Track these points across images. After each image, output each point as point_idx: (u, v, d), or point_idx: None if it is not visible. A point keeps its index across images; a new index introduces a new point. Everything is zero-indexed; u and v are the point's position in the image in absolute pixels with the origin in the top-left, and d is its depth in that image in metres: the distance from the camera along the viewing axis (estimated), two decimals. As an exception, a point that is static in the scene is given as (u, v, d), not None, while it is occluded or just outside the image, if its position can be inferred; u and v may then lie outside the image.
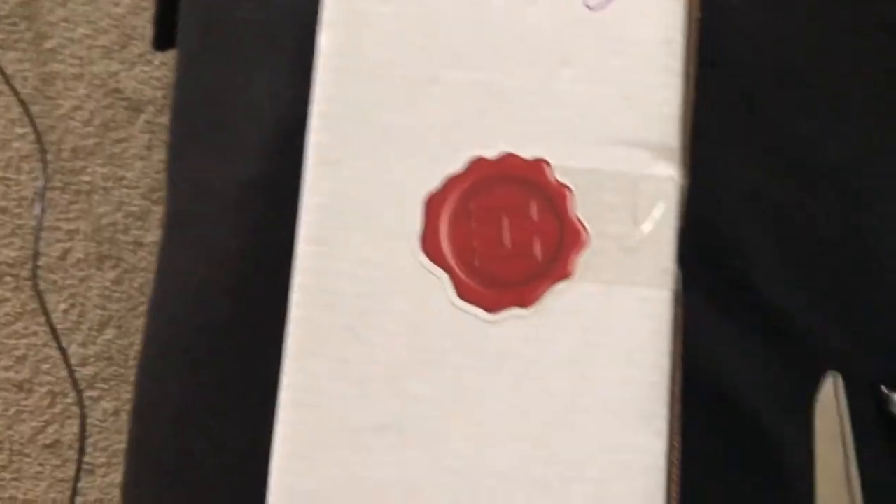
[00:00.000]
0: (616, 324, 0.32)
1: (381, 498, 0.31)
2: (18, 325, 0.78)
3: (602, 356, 0.32)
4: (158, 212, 0.79)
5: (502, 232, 0.33)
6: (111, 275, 0.79)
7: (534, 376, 0.32)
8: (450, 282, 0.32)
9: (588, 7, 0.34)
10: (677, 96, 0.34)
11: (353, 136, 0.33)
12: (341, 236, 0.33)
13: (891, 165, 0.41)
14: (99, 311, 0.78)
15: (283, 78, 0.40)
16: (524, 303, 0.32)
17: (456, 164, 0.33)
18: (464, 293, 0.32)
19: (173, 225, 0.43)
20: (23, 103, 0.81)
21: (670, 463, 0.32)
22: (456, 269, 0.33)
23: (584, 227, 0.33)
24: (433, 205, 0.33)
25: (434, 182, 0.33)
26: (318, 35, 0.34)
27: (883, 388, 0.38)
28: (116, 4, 0.85)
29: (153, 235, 0.79)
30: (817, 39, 0.42)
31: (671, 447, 0.32)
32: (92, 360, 0.77)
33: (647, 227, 0.33)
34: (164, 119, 0.82)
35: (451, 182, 0.33)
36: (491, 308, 0.32)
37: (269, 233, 0.39)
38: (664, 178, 0.33)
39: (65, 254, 0.80)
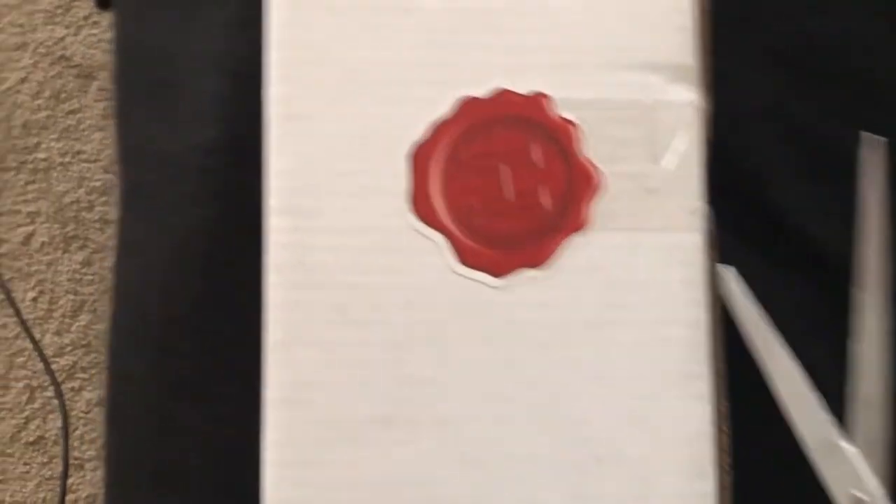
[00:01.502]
0: (642, 277, 0.28)
1: (394, 499, 0.27)
2: (-14, 319, 0.73)
3: (629, 316, 0.28)
4: (122, 185, 0.73)
5: (503, 182, 0.28)
6: (79, 256, 0.74)
7: (554, 345, 0.28)
8: (448, 245, 0.28)
9: None
10: (689, 4, 0.29)
11: (319, 84, 0.28)
12: (317, 203, 0.28)
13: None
14: (70, 297, 0.74)
15: (234, 26, 0.35)
16: (535, 262, 0.28)
17: (442, 108, 0.29)
18: (465, 257, 0.28)
19: (129, 201, 0.38)
20: (-36, 81, 0.75)
21: (718, 429, 0.28)
22: (453, 229, 0.28)
23: (596, 168, 0.29)
24: (421, 157, 0.28)
25: (419, 130, 0.28)
26: (268, -31, 0.29)
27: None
28: (55, -35, 0.79)
29: (119, 211, 0.74)
30: None
31: (717, 411, 0.28)
32: (69, 348, 0.73)
33: (668, 162, 0.29)
34: (118, 85, 0.76)
35: (439, 129, 0.29)
36: (498, 272, 0.28)
37: (238, 202, 0.35)
38: (683, 103, 0.29)
39: (28, 238, 0.75)
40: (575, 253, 0.28)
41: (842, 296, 0.35)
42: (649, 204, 0.28)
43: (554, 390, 0.28)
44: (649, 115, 0.29)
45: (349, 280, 0.28)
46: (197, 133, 0.35)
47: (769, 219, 0.35)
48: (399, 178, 0.28)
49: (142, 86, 0.37)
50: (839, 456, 0.23)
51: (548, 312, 0.28)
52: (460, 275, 0.28)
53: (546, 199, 0.28)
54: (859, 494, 0.22)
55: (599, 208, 0.28)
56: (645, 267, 0.28)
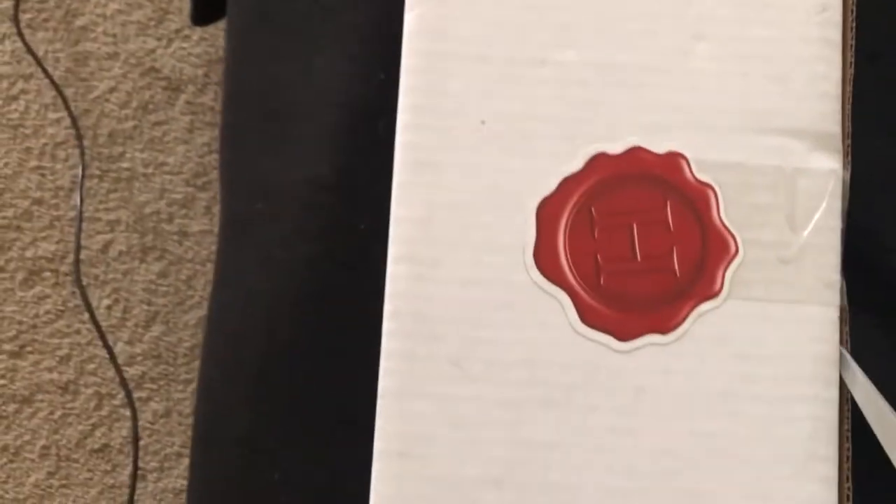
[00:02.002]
0: (773, 350, 0.27)
1: (499, 564, 0.26)
2: (60, 324, 0.74)
3: (757, 390, 0.27)
4: (204, 199, 0.74)
5: (632, 242, 0.28)
6: (156, 267, 0.75)
7: (676, 416, 0.27)
8: (571, 304, 0.27)
9: (727, -33, 0.29)
10: (836, 72, 0.28)
11: (449, 134, 0.28)
12: (440, 253, 0.27)
13: None
14: (145, 307, 0.74)
15: (352, 61, 0.35)
16: (662, 328, 0.27)
17: (573, 162, 0.28)
18: (588, 318, 0.27)
19: (232, 230, 0.38)
20: (56, 86, 0.76)
21: (843, 515, 0.27)
22: (578, 288, 0.27)
23: (731, 234, 0.28)
24: (547, 212, 0.28)
25: (548, 184, 0.28)
26: (405, 14, 0.28)
27: None
28: (149, -23, 0.80)
29: (199, 224, 0.74)
30: None
31: (842, 496, 0.27)
32: (139, 358, 0.73)
33: (807, 232, 0.28)
34: (206, 99, 0.77)
35: (568, 184, 0.28)
36: (622, 335, 0.27)
37: (344, 239, 0.34)
38: (825, 171, 0.28)
39: (106, 246, 0.75)
40: (704, 321, 0.27)
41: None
42: (784, 274, 0.27)
43: (673, 462, 0.27)
44: (789, 182, 0.28)
45: (467, 333, 0.27)
46: (308, 168, 0.35)
47: (891, 289, 0.33)
48: (524, 233, 0.27)
49: (253, 116, 0.37)
50: None
51: (672, 381, 0.27)
52: (583, 335, 0.27)
53: (677, 263, 0.27)
54: None
55: (733, 276, 0.27)
56: (776, 340, 0.27)
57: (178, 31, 0.79)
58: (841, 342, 0.27)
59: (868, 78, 0.35)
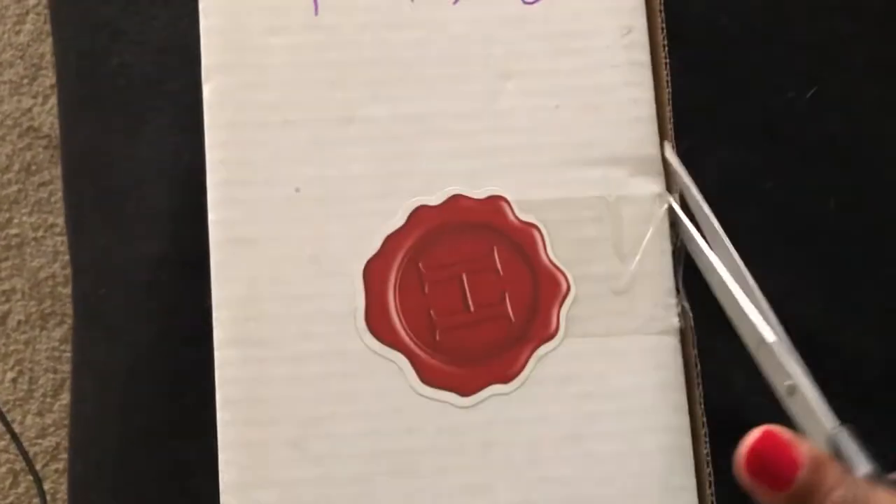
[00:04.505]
0: (616, 385, 0.27)
1: None
2: (-35, 404, 0.71)
3: (605, 427, 0.26)
4: (96, 258, 0.72)
5: (464, 293, 0.27)
6: (57, 333, 0.72)
7: (527, 466, 0.26)
8: (409, 365, 0.26)
9: (524, 0, 0.28)
10: (648, 94, 0.28)
11: (262, 206, 0.27)
12: (268, 331, 0.26)
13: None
14: (51, 375, 0.72)
15: (182, 131, 0.34)
16: (503, 377, 0.27)
17: (394, 219, 0.27)
18: (428, 377, 0.26)
19: (82, 314, 0.37)
20: (-70, 160, 0.73)
21: (706, 542, 0.26)
22: (414, 348, 0.27)
23: (561, 272, 0.27)
24: (374, 273, 0.27)
25: (371, 245, 0.27)
26: (203, 87, 0.27)
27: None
28: (17, 32, 0.77)
29: (95, 284, 0.72)
30: None
31: (705, 522, 0.27)
32: (51, 429, 0.71)
33: (636, 260, 0.27)
34: (86, 155, 0.75)
35: (392, 241, 0.27)
36: (464, 390, 0.26)
37: (189, 315, 0.33)
38: (648, 196, 0.27)
39: (4, 317, 0.73)
40: (544, 364, 0.27)
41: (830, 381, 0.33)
42: (619, 306, 0.27)
43: (532, 514, 0.26)
44: (613, 211, 0.27)
45: (305, 413, 0.26)
46: (144, 244, 0.34)
47: None
48: (353, 298, 0.27)
49: (89, 196, 0.36)
50: (769, 351, 0.25)
51: (520, 430, 0.26)
52: (424, 396, 0.26)
53: (511, 309, 0.27)
54: (789, 382, 0.25)
55: (568, 314, 0.27)
56: (618, 373, 0.27)
57: (53, 86, 0.77)
58: (687, 366, 0.27)
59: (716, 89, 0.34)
